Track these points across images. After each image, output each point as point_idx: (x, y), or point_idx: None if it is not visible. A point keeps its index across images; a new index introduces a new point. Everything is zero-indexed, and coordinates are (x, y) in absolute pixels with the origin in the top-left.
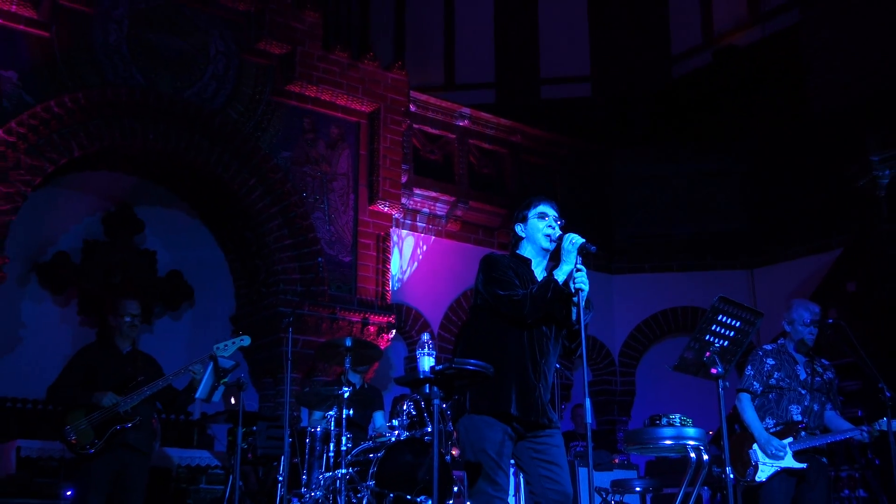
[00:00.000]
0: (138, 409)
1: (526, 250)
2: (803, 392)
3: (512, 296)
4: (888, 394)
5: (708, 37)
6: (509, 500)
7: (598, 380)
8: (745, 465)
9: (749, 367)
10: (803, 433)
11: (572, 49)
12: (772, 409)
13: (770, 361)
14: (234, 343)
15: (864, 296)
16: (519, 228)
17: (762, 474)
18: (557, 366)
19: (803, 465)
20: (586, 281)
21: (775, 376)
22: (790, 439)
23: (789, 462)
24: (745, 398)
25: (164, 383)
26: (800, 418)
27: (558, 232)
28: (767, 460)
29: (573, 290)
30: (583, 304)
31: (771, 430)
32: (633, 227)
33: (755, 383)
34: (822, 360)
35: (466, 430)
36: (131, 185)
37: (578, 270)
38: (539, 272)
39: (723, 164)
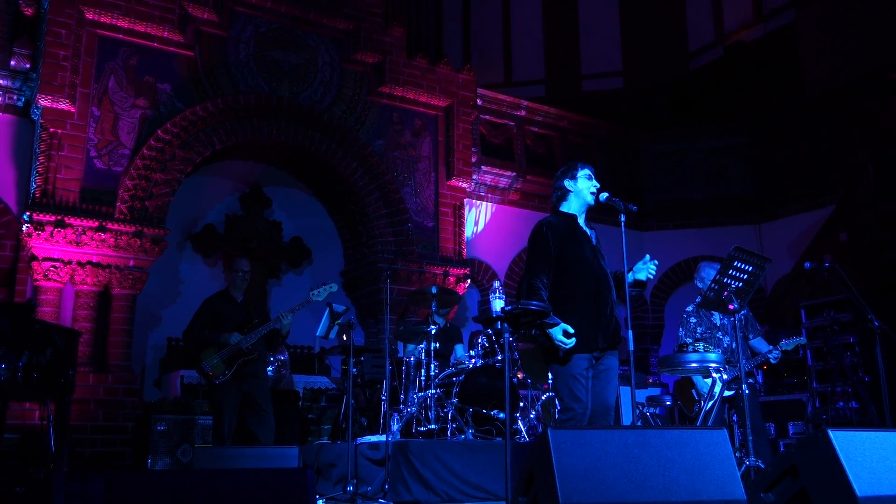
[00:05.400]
0: (256, 345)
1: (571, 205)
2: (720, 336)
3: (531, 288)
4: (876, 322)
5: (719, 35)
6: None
7: (634, 316)
8: (691, 401)
9: (681, 329)
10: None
11: (606, 50)
12: None
13: (693, 320)
14: (324, 290)
15: (854, 244)
16: (569, 184)
17: (706, 406)
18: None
19: (731, 393)
20: (653, 270)
21: (699, 331)
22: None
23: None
24: None
25: (274, 325)
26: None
27: (603, 194)
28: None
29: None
30: (629, 280)
31: None
32: (659, 194)
33: (687, 339)
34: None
35: (560, 364)
36: (261, 170)
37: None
38: (583, 224)
39: (732, 140)
